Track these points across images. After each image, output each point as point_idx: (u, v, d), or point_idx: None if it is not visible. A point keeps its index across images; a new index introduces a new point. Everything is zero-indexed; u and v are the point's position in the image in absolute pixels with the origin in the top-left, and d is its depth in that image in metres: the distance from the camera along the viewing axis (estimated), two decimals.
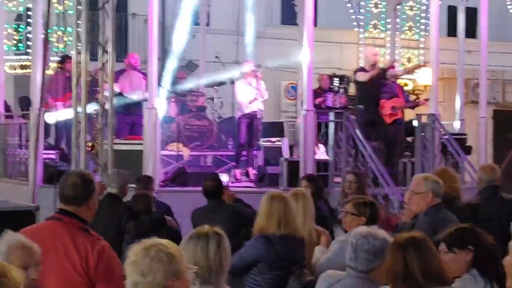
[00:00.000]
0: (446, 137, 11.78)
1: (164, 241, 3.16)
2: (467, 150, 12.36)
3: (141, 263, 3.03)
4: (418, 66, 13.00)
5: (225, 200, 7.45)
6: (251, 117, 12.46)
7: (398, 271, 3.63)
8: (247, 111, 12.44)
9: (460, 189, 6.85)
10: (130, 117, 12.17)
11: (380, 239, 4.01)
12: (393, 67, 12.33)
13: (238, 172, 12.44)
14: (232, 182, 11.52)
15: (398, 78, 12.89)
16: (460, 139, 12.28)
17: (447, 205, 5.94)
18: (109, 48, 10.11)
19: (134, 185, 8.22)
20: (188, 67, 18.29)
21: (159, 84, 11.79)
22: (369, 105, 11.43)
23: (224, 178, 10.72)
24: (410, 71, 13.13)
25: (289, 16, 17.43)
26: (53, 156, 12.09)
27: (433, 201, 5.67)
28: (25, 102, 12.85)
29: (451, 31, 17.29)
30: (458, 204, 6.53)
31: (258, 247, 5.42)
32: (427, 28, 17.48)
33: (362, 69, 11.75)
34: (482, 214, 6.73)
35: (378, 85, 11.60)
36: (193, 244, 3.62)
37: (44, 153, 11.60)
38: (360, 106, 11.49)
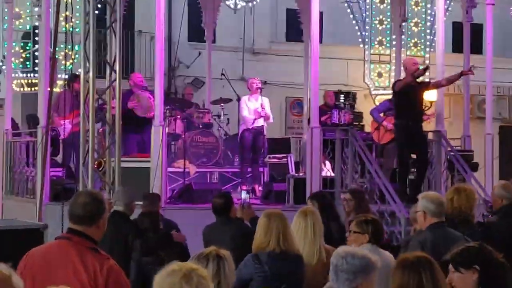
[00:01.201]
0: (452, 153, 11.77)
1: (198, 267, 3.14)
2: (474, 167, 12.34)
3: None
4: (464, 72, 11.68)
5: (234, 218, 7.45)
6: (256, 133, 12.49)
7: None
8: (251, 126, 12.46)
9: (474, 207, 6.75)
10: (140, 135, 12.20)
11: (359, 258, 4.00)
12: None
13: (245, 188, 12.45)
14: (238, 199, 11.54)
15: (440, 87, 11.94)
16: (466, 156, 12.27)
17: (462, 224, 5.96)
18: (117, 67, 10.16)
19: (141, 203, 8.23)
20: (194, 84, 18.37)
21: (165, 101, 11.84)
22: (407, 118, 11.00)
23: (244, 195, 10.75)
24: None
25: (295, 32, 17.51)
26: (60, 174, 12.12)
27: (430, 220, 5.73)
28: (32, 120, 12.90)
29: (457, 47, 17.33)
30: (471, 223, 6.44)
31: (248, 266, 5.49)
32: (432, 44, 17.54)
33: (400, 80, 11.44)
34: (505, 232, 6.59)
35: (417, 97, 11.13)
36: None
37: (51, 171, 11.64)
38: (400, 120, 11.20)
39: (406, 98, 10.85)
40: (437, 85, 11.59)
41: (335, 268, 4.01)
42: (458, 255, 3.83)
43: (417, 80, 10.95)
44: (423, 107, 11.52)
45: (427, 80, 11.39)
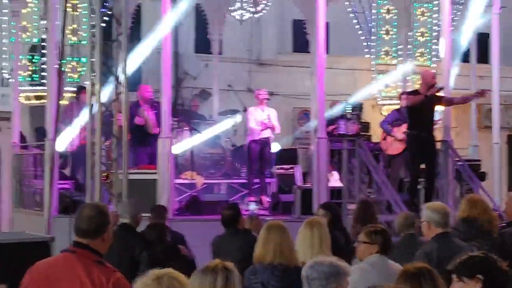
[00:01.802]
0: (460, 163, 11.75)
1: (172, 270, 3.22)
2: (482, 176, 12.31)
3: None
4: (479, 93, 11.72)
5: (242, 229, 7.45)
6: (263, 144, 12.50)
7: None
8: (257, 137, 12.48)
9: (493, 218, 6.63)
10: (149, 148, 12.22)
11: (326, 264, 4.02)
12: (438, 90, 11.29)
13: (252, 199, 12.46)
14: (246, 210, 11.55)
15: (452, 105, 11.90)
16: (474, 165, 12.24)
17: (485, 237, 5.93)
18: (123, 79, 10.19)
19: (148, 215, 8.23)
20: (201, 96, 18.40)
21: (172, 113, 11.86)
22: (419, 129, 10.96)
23: (253, 207, 10.75)
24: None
25: (301, 43, 17.53)
26: (68, 186, 12.15)
27: (434, 231, 5.73)
28: (40, 133, 12.94)
29: (463, 56, 17.32)
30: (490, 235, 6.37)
31: (245, 278, 5.49)
32: (438, 54, 17.52)
33: (416, 91, 11.32)
34: None
35: (429, 108, 11.08)
36: (200, 278, 3.64)
37: (59, 183, 11.66)
38: (412, 130, 11.21)
39: (419, 109, 10.84)
40: (449, 102, 11.52)
41: (307, 280, 4.04)
42: (461, 264, 3.82)
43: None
44: (435, 118, 11.45)
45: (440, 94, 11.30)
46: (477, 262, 3.82)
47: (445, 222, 5.76)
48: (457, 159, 11.85)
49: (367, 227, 5.85)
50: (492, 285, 3.77)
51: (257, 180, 12.73)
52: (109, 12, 10.91)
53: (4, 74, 15.92)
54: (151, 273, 3.18)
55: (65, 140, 12.22)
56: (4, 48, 15.11)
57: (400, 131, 12.54)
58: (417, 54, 17.86)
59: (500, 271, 3.82)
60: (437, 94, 11.02)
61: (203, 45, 18.43)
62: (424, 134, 10.87)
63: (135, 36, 17.83)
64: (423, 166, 11.22)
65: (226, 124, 13.99)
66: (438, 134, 12.37)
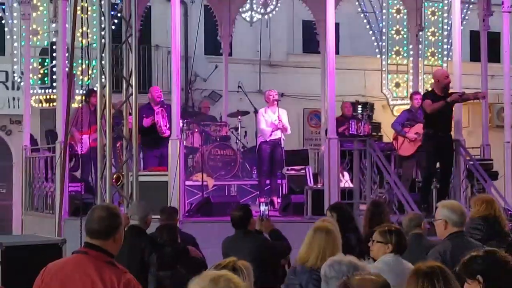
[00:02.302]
0: (472, 162, 11.69)
1: (228, 272, 3.19)
2: (494, 176, 12.25)
3: None
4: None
5: (253, 230, 7.42)
6: (273, 145, 12.48)
7: None
8: (268, 138, 12.47)
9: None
10: (159, 150, 12.22)
11: (345, 264, 4.02)
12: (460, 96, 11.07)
13: (263, 200, 12.44)
14: (257, 211, 11.53)
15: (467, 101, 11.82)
16: (486, 165, 12.18)
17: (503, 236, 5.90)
18: (133, 81, 10.19)
19: (158, 216, 8.23)
20: (211, 97, 18.41)
21: (182, 116, 11.86)
22: (437, 128, 10.86)
23: (263, 208, 10.70)
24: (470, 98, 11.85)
25: (311, 44, 17.52)
26: (79, 189, 12.16)
27: (450, 230, 5.70)
28: (51, 135, 12.97)
29: (474, 56, 17.25)
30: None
31: (287, 277, 5.47)
32: (449, 53, 17.48)
33: (432, 92, 11.19)
34: None
35: (447, 107, 10.95)
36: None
37: (70, 186, 11.68)
38: (429, 129, 11.11)
39: (441, 112, 10.77)
40: (465, 99, 11.39)
41: (325, 278, 4.02)
42: (463, 265, 3.77)
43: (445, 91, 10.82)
44: (453, 117, 11.35)
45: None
46: (478, 262, 3.75)
47: (462, 221, 5.74)
48: (469, 158, 11.79)
49: (381, 226, 5.82)
50: (495, 285, 3.69)
51: (268, 181, 12.72)
52: (119, 15, 10.92)
53: (15, 78, 15.97)
54: (206, 275, 3.12)
55: (76, 143, 12.24)
56: (15, 52, 15.17)
57: (412, 132, 12.50)
58: (428, 54, 17.83)
59: (503, 270, 3.73)
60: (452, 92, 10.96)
61: (213, 46, 18.45)
62: (441, 133, 10.82)
63: (145, 38, 17.87)
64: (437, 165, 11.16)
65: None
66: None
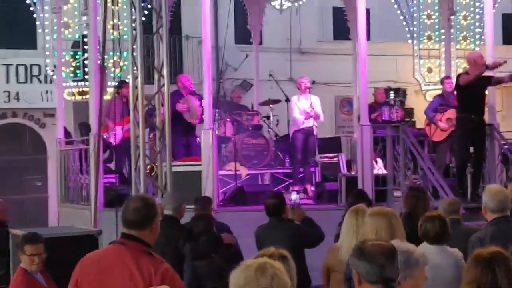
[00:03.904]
0: (506, 146, 11.58)
1: (268, 259, 3.17)
2: None
3: (260, 282, 3.01)
4: None
5: (286, 218, 7.41)
6: (307, 133, 12.46)
7: (484, 286, 3.57)
8: (301, 127, 12.45)
9: None
10: (185, 138, 12.27)
11: (401, 253, 3.90)
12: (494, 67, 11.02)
13: (296, 189, 12.43)
14: (289, 200, 11.52)
15: (501, 83, 11.63)
16: None
17: None
18: (165, 72, 10.23)
19: (192, 206, 8.26)
20: (242, 86, 18.41)
21: (214, 105, 11.89)
22: (470, 112, 10.78)
23: (294, 196, 10.69)
24: None
25: (342, 31, 17.41)
26: (113, 180, 12.25)
27: (490, 216, 5.66)
28: (84, 128, 13.07)
29: (507, 39, 17.07)
30: None
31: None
32: (482, 37, 17.28)
33: (466, 73, 11.02)
34: None
35: (480, 91, 10.90)
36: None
37: (104, 177, 11.77)
38: (462, 114, 10.97)
39: (470, 92, 10.65)
40: (499, 81, 11.31)
41: None
42: None
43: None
44: (486, 101, 11.21)
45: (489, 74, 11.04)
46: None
47: (502, 207, 5.68)
48: (504, 142, 11.68)
49: (426, 213, 5.77)
50: None
51: (301, 170, 12.71)
52: (149, 6, 10.95)
53: (47, 71, 16.10)
54: (250, 264, 3.09)
55: (109, 133, 12.33)
56: (47, 45, 15.28)
57: (445, 117, 12.40)
58: (460, 38, 17.65)
59: None
60: (486, 75, 10.82)
61: (243, 36, 18.42)
62: (474, 117, 10.71)
63: (175, 28, 17.92)
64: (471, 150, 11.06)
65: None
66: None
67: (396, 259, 3.57)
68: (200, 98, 11.95)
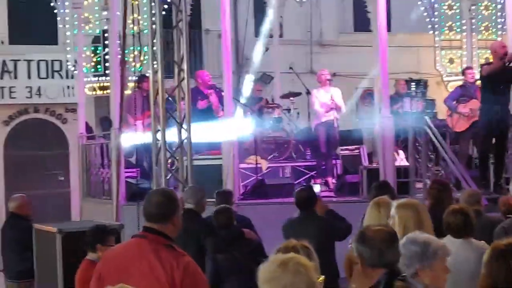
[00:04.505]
0: None
1: (295, 255, 3.19)
2: None
3: (282, 278, 3.02)
4: None
5: (317, 212, 7.36)
6: (328, 126, 12.43)
7: (499, 278, 3.54)
8: (324, 119, 12.43)
9: None
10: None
11: (419, 243, 3.92)
12: None
13: (318, 181, 12.42)
14: None
15: None
16: None
17: None
18: (185, 66, 10.23)
19: (213, 200, 8.26)
20: (263, 80, 18.37)
21: (234, 98, 11.88)
22: (494, 103, 10.65)
23: (317, 188, 10.68)
24: None
25: (362, 22, 17.33)
26: (134, 174, 12.29)
27: None
28: (105, 122, 13.13)
29: None
30: None
31: None
32: (504, 27, 17.14)
33: (489, 64, 11.00)
34: None
35: (504, 81, 10.70)
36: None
37: (125, 172, 11.81)
38: (485, 104, 10.80)
39: (493, 82, 10.56)
40: None
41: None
42: None
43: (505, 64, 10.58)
44: (510, 91, 11.11)
45: None
46: None
47: None
48: None
49: (450, 207, 5.73)
50: None
51: (323, 162, 12.68)
52: (169, 0, 10.96)
53: (68, 67, 16.17)
54: (274, 259, 3.11)
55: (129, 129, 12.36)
56: (67, 41, 15.35)
57: (467, 107, 12.31)
58: (481, 28, 17.51)
59: None
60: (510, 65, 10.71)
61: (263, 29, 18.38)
62: (497, 107, 10.62)
63: (195, 22, 17.93)
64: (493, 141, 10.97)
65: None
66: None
67: (396, 244, 3.75)
68: (220, 91, 11.95)
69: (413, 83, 16.52)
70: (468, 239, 5.44)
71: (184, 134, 10.27)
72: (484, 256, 3.79)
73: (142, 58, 12.53)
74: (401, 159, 11.93)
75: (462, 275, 4.75)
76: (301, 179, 12.74)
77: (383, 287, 3.62)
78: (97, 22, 14.91)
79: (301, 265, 3.07)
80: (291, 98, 14.41)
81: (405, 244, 3.93)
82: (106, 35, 13.92)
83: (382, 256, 3.66)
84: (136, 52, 12.06)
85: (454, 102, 12.62)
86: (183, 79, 10.29)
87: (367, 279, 3.77)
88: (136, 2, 11.76)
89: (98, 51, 14.98)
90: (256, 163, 12.06)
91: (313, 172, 12.80)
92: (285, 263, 3.05)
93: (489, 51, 17.80)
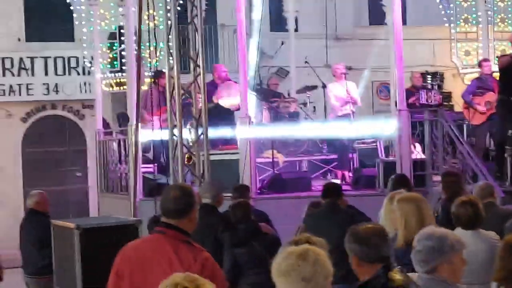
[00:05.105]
0: None
1: (311, 246, 3.23)
2: None
3: (301, 270, 3.04)
4: None
5: (341, 206, 7.35)
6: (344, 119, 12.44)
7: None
8: (340, 113, 12.43)
9: None
10: (223, 127, 12.29)
11: (435, 239, 3.90)
12: None
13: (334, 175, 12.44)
14: None
15: None
16: None
17: None
18: (200, 61, 10.26)
19: (231, 194, 8.29)
20: (279, 74, 18.38)
21: (251, 92, 11.89)
22: (510, 94, 10.61)
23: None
24: None
25: (378, 16, 17.31)
26: (151, 170, 12.33)
27: None
28: (122, 118, 13.17)
29: None
30: None
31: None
32: None
33: (506, 55, 11.00)
34: None
35: None
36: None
37: (143, 167, 11.85)
38: (502, 95, 10.79)
39: (509, 73, 10.52)
40: None
41: (414, 250, 3.96)
42: None
43: None
44: None
45: None
46: None
47: None
48: None
49: (460, 198, 5.72)
50: None
51: (339, 156, 12.69)
52: None
53: (85, 63, 16.25)
54: (291, 251, 3.13)
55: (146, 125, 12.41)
56: (84, 37, 15.41)
57: (484, 101, 12.25)
58: (497, 20, 17.42)
59: None
60: None
61: (278, 23, 18.39)
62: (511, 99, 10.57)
63: (210, 17, 17.95)
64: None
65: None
66: None
67: (388, 239, 3.84)
68: (237, 86, 11.98)
69: (429, 76, 16.46)
70: (478, 230, 5.44)
71: (200, 129, 10.31)
72: (497, 249, 3.80)
73: (158, 54, 12.57)
74: (418, 152, 11.91)
75: (473, 266, 4.75)
76: (318, 172, 12.75)
77: (381, 279, 3.65)
78: (113, 19, 14.96)
79: (320, 255, 3.08)
80: (307, 92, 14.41)
81: (420, 240, 3.92)
82: (122, 31, 13.98)
83: (380, 251, 3.72)
84: (152, 48, 12.10)
85: (471, 96, 12.57)
86: (199, 74, 10.32)
87: (365, 274, 3.78)
88: None
89: (114, 47, 15.04)
90: (273, 157, 12.08)
91: (329, 166, 12.80)
92: (304, 254, 3.06)
93: (505, 43, 17.77)
